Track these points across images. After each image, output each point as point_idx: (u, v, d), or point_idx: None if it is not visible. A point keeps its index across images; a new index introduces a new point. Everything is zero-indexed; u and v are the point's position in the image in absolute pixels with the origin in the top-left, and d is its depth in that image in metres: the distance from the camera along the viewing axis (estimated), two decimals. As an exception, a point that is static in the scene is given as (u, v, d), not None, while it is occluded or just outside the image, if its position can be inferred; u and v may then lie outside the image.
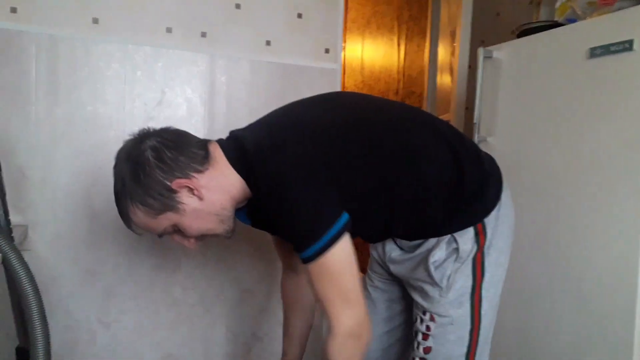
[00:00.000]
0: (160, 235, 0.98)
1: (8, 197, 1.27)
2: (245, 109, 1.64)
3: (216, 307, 1.67)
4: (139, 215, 0.93)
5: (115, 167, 0.96)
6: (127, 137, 0.97)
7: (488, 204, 1.00)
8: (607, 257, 1.25)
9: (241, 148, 0.95)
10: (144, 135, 0.95)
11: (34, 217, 1.45)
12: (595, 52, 1.27)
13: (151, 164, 0.90)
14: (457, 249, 0.98)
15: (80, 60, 1.46)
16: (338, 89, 1.76)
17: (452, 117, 2.38)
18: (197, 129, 1.59)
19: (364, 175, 0.94)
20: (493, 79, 1.64)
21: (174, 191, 0.91)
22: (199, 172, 0.93)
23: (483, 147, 1.67)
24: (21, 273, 1.07)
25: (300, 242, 0.89)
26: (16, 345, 1.23)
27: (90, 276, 1.52)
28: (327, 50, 1.74)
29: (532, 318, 1.48)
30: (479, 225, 0.99)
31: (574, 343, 1.34)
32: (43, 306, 1.08)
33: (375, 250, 1.19)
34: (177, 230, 0.97)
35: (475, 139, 1.66)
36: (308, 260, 0.89)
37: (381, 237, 1.10)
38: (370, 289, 1.25)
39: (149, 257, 1.57)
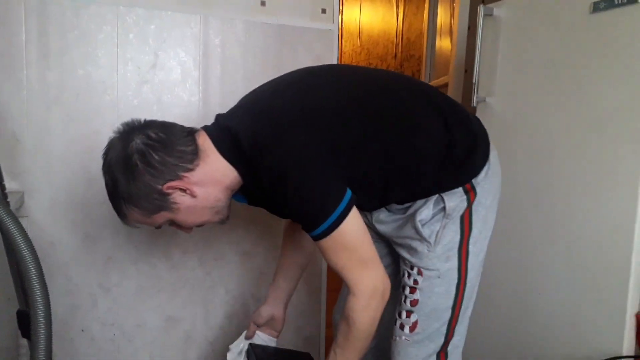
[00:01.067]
0: (158, 227, 1.00)
1: (2, 163, 1.26)
2: (240, 71, 1.61)
3: (215, 270, 1.68)
4: (134, 214, 0.95)
5: (104, 168, 0.94)
6: (112, 134, 0.96)
7: (477, 165, 1.03)
8: (604, 217, 1.25)
9: (234, 141, 0.93)
10: (130, 133, 0.92)
11: (30, 183, 1.44)
12: (599, 6, 1.24)
13: (139, 169, 0.89)
14: (444, 207, 1.01)
15: (71, 23, 1.43)
16: (335, 50, 1.73)
17: (450, 79, 2.35)
18: (192, 93, 1.56)
19: (364, 152, 0.95)
20: (493, 38, 1.61)
21: (166, 194, 0.92)
22: (190, 170, 0.92)
23: (482, 108, 1.66)
24: (17, 236, 1.06)
25: (309, 224, 0.91)
26: (17, 309, 1.24)
27: (90, 241, 1.52)
28: (323, 10, 1.70)
29: (527, 277, 1.49)
30: (467, 184, 1.02)
31: (568, 301, 1.35)
32: (41, 269, 1.08)
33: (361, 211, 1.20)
34: (173, 223, 0.99)
35: (474, 100, 1.65)
36: (318, 238, 0.91)
37: (375, 207, 1.11)
38: None
39: (147, 222, 1.57)
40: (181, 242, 1.63)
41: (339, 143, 0.92)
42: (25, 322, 1.16)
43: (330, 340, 1.34)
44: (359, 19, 3.77)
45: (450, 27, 2.50)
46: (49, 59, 1.42)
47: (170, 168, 0.90)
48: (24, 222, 1.08)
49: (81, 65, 1.45)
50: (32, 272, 1.07)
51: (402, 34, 3.16)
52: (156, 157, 0.89)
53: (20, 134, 1.41)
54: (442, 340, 1.06)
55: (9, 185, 1.35)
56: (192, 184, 0.92)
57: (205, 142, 0.95)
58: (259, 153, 0.90)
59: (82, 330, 1.56)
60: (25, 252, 1.07)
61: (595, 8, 1.25)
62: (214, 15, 1.57)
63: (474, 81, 1.65)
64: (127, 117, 1.48)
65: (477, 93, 1.65)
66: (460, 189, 1.01)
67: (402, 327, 1.07)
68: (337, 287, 1.39)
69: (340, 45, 3.94)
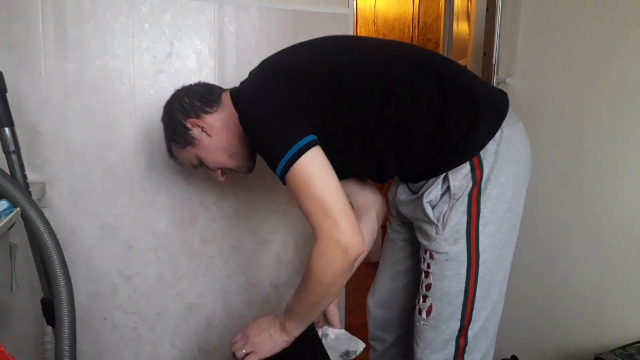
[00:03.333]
0: (194, 168, 1.19)
1: (23, 155, 1.27)
2: (256, 58, 1.60)
3: (234, 258, 1.69)
4: (174, 149, 1.17)
5: (161, 116, 1.19)
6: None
7: (480, 139, 0.99)
8: (632, 200, 1.22)
9: (237, 95, 1.10)
10: (178, 91, 1.17)
11: (50, 174, 1.46)
12: (623, -18, 1.20)
13: (174, 108, 1.14)
14: (449, 187, 1.00)
15: (87, 13, 1.43)
16: (351, 34, 1.71)
17: (469, 62, 2.31)
18: (208, 81, 1.53)
19: (336, 110, 1.00)
20: (513, 18, 1.57)
21: (188, 128, 1.11)
22: (208, 113, 1.11)
23: (501, 89, 1.63)
24: (40, 226, 1.08)
25: (272, 160, 0.95)
26: (41, 297, 1.26)
27: (110, 231, 1.54)
28: (338, -5, 1.67)
29: (555, 261, 1.47)
30: (475, 160, 0.99)
31: (597, 285, 1.33)
32: (64, 257, 1.10)
33: (390, 194, 1.23)
34: (202, 163, 1.16)
35: (494, 81, 1.61)
36: (282, 176, 0.94)
37: (382, 178, 1.12)
38: (389, 231, 1.31)
39: (166, 211, 1.59)
40: (200, 231, 1.64)
41: (307, 99, 0.98)
42: (49, 310, 1.18)
43: (351, 327, 1.34)
44: (374, 3, 3.72)
45: (468, 9, 2.45)
46: (66, 50, 1.42)
47: (194, 109, 1.11)
48: (45, 213, 1.10)
49: (98, 55, 1.45)
50: (55, 260, 1.09)
51: (419, 18, 3.11)
52: (187, 100, 1.13)
53: (40, 125, 1.43)
54: (457, 325, 1.04)
55: (31, 176, 1.36)
56: (209, 125, 1.10)
57: (226, 97, 1.14)
58: (239, 101, 1.07)
59: (105, 318, 1.58)
60: (48, 240, 1.09)
61: (620, -17, 1.21)
62: (229, 2, 1.56)
63: (493, 62, 1.62)
64: (144, 106, 1.50)
65: (497, 74, 1.62)
66: (467, 166, 0.99)
67: (420, 312, 1.08)
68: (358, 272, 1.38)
69: (355, 30, 3.90)
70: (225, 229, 1.66)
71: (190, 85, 1.17)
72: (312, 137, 0.93)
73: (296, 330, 1.06)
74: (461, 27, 2.62)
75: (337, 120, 1.00)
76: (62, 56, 1.42)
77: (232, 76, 1.58)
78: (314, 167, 0.92)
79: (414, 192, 1.11)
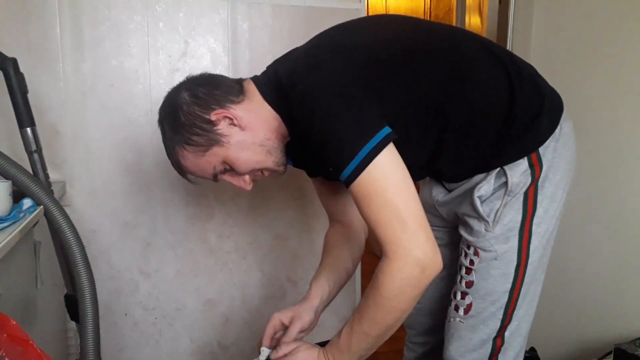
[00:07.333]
0: (215, 178, 0.96)
1: (44, 154, 1.30)
2: (269, 55, 1.60)
3: (251, 254, 1.71)
4: (188, 157, 0.92)
5: (159, 119, 0.97)
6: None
7: (543, 133, 0.93)
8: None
9: (276, 82, 0.92)
10: (180, 84, 0.95)
11: (70, 173, 1.49)
12: (639, -30, 1.19)
13: (188, 102, 0.90)
14: (506, 183, 0.92)
15: (102, 14, 1.45)
16: (363, 30, 1.71)
17: (482, 56, 2.29)
18: (222, 79, 1.57)
19: (407, 93, 0.88)
20: (526, 10, 1.56)
21: (213, 123, 0.89)
22: (235, 102, 0.91)
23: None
24: (63, 224, 1.11)
25: (338, 161, 0.81)
26: (65, 293, 1.29)
27: (129, 228, 1.57)
28: (350, -10, 1.68)
29: (568, 251, 1.46)
30: (534, 156, 0.92)
31: (615, 276, 1.32)
32: (86, 253, 1.12)
33: (423, 197, 1.14)
34: (228, 169, 0.95)
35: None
36: (350, 180, 0.80)
37: (423, 174, 1.05)
38: None
39: (183, 208, 1.61)
40: (216, 227, 1.65)
41: (378, 77, 0.87)
42: (73, 306, 1.21)
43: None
44: (385, -2, 3.71)
45: (480, 2, 2.44)
46: (83, 51, 1.45)
47: (216, 99, 0.91)
48: (67, 211, 1.12)
49: (114, 55, 1.48)
50: (78, 257, 1.12)
51: (430, 12, 3.10)
52: (203, 90, 0.91)
53: (60, 125, 1.45)
54: (497, 325, 0.99)
55: (51, 175, 1.38)
56: (239, 116, 0.90)
57: (249, 86, 0.95)
58: (292, 85, 0.86)
59: (125, 315, 1.61)
60: (71, 238, 1.11)
61: (637, -28, 1.20)
62: (241, 0, 1.57)
63: (507, 55, 1.61)
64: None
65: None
66: (525, 162, 0.92)
67: (456, 308, 1.01)
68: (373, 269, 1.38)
69: (366, 26, 3.89)
70: (242, 225, 1.68)
71: (196, 75, 0.97)
72: (388, 129, 0.81)
73: None
74: (473, 21, 2.61)
75: (406, 104, 0.89)
76: (79, 57, 1.45)
77: (245, 74, 1.57)
78: (392, 168, 0.80)
79: (450, 191, 1.04)
